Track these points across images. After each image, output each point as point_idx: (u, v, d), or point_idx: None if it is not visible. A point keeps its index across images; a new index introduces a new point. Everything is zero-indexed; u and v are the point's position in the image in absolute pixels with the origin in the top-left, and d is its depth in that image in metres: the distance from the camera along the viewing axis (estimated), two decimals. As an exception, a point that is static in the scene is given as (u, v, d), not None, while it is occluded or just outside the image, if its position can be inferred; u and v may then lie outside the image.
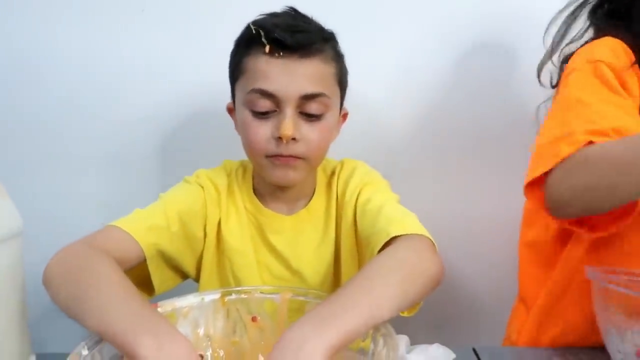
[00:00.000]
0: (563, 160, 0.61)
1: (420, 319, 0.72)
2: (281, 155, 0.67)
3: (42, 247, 0.93)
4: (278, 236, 0.76)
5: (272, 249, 0.76)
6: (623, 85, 0.68)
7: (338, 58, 0.70)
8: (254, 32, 0.66)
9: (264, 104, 0.66)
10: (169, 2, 0.94)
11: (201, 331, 0.59)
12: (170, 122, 0.98)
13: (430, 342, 0.65)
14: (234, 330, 0.60)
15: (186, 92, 0.97)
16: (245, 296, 0.60)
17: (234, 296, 0.60)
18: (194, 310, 0.59)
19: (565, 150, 0.62)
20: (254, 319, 0.60)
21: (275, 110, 0.67)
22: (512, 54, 0.98)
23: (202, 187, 0.75)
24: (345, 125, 0.79)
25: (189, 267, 0.74)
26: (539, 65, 0.81)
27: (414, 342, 0.66)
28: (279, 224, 0.76)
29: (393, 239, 0.59)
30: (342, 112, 0.75)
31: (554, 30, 0.79)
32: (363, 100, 0.91)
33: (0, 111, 0.96)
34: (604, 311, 0.57)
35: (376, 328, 0.50)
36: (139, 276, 0.68)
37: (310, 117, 0.67)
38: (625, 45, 0.71)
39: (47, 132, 0.97)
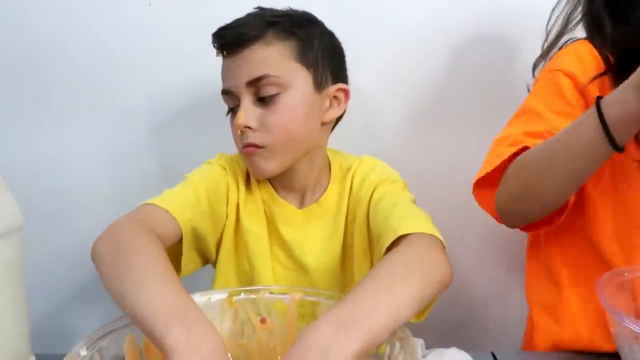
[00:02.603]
0: (504, 165, 0.65)
1: (435, 321, 0.70)
2: (244, 146, 0.69)
3: (43, 244, 0.93)
4: (287, 227, 0.75)
5: (281, 239, 0.75)
6: (583, 93, 0.68)
7: (291, 36, 0.69)
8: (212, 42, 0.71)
9: (229, 102, 0.71)
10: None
11: (207, 333, 0.56)
12: (169, 116, 0.97)
13: (446, 346, 0.62)
14: (242, 332, 0.58)
15: (187, 85, 0.96)
16: (254, 296, 0.58)
17: (242, 296, 0.58)
18: (201, 311, 0.56)
19: (504, 151, 0.65)
20: (262, 321, 0.58)
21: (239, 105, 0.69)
22: (513, 47, 0.96)
23: (225, 168, 0.76)
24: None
25: (212, 247, 0.74)
26: (534, 63, 0.80)
27: (429, 346, 0.63)
28: (289, 216, 0.75)
29: (403, 237, 0.57)
30: (337, 87, 0.73)
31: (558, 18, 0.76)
32: (357, 94, 0.90)
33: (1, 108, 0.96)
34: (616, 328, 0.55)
35: (392, 331, 0.48)
36: None
37: (265, 101, 0.68)
38: (596, 53, 0.69)
39: (48, 127, 0.97)
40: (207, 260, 0.76)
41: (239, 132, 0.68)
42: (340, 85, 0.73)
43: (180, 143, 0.98)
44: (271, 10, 0.71)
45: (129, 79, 0.95)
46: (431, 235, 0.58)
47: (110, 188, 0.99)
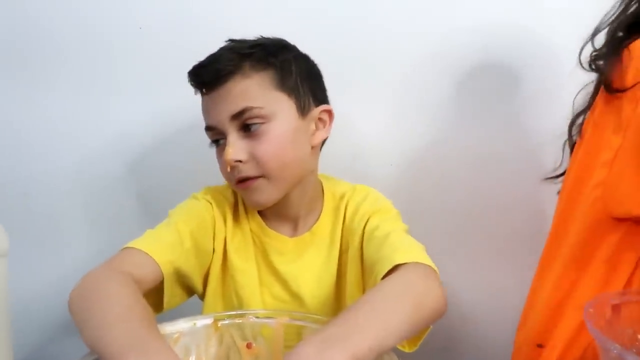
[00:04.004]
0: None
1: (424, 342, 0.69)
2: (238, 181, 0.68)
3: (30, 268, 0.92)
4: (280, 258, 0.74)
5: (274, 270, 0.74)
6: None
7: (267, 66, 0.68)
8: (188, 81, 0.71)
9: (211, 134, 0.71)
10: (166, 18, 0.94)
11: (192, 359, 0.56)
12: (157, 140, 0.97)
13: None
14: (227, 358, 0.57)
15: (177, 109, 0.94)
16: (240, 321, 0.57)
17: (227, 321, 0.57)
18: (185, 337, 0.56)
19: None
20: (248, 346, 0.57)
21: (225, 139, 0.68)
22: (511, 77, 0.95)
23: (210, 203, 0.74)
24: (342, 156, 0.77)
25: (198, 283, 0.73)
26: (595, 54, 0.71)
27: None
28: (281, 246, 0.74)
29: (398, 266, 0.57)
30: (321, 109, 0.72)
31: None
32: (358, 128, 0.90)
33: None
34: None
35: (379, 355, 0.47)
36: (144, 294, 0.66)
37: (251, 131, 0.67)
38: None
39: (28, 153, 0.97)
40: (195, 293, 0.75)
41: (229, 168, 0.67)
42: (323, 106, 0.73)
43: (168, 167, 0.97)
44: (244, 42, 0.70)
45: (117, 101, 0.95)
46: (425, 264, 0.58)
47: (96, 212, 0.98)
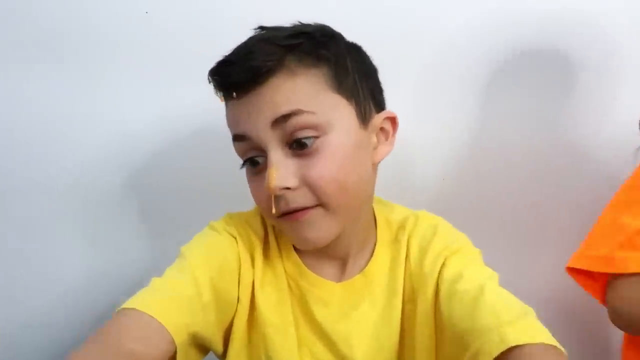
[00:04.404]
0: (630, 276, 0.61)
1: None
2: (286, 213, 0.53)
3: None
4: (323, 309, 0.58)
5: (316, 325, 0.58)
6: None
7: (319, 61, 0.53)
8: (210, 82, 0.55)
9: (243, 149, 0.55)
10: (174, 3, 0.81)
11: None
12: (169, 141, 0.85)
13: None
14: None
15: (187, 105, 0.83)
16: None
17: None
18: None
19: (616, 252, 0.61)
20: None
21: (265, 157, 0.53)
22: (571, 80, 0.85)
23: (235, 237, 0.60)
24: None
25: (217, 343, 0.58)
26: None
27: None
28: (325, 293, 0.58)
29: (513, 350, 0.42)
30: (383, 117, 0.57)
31: None
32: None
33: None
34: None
35: None
36: None
37: (301, 147, 0.51)
38: None
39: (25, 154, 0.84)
40: (214, 352, 0.59)
41: (273, 199, 0.52)
42: (386, 113, 0.58)
43: (178, 172, 0.85)
44: (281, 30, 0.54)
45: (119, 97, 0.83)
46: (552, 346, 0.43)
47: (92, 223, 0.85)
